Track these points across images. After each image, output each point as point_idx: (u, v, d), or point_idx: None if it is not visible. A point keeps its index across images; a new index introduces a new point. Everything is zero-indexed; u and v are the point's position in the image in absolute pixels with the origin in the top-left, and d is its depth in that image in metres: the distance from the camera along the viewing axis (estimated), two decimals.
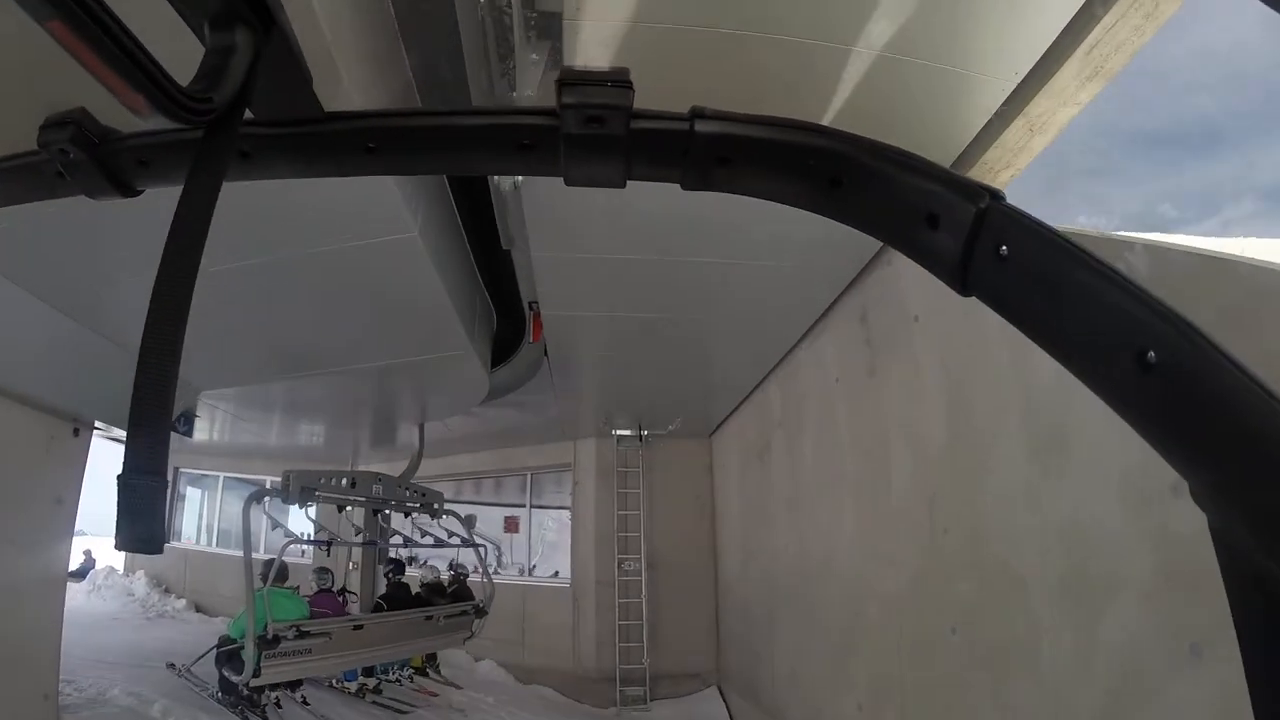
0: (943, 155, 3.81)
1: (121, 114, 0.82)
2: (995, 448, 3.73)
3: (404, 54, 3.47)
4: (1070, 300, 0.72)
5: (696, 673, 10.68)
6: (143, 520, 0.68)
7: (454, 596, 10.65)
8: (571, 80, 0.88)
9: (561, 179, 0.95)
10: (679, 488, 11.19)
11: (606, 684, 10.55)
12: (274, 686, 8.07)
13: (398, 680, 10.22)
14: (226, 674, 7.77)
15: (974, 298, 0.82)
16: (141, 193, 1.00)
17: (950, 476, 4.19)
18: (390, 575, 10.90)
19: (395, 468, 15.27)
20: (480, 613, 9.30)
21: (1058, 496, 3.17)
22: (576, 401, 9.67)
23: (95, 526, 15.16)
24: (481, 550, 9.70)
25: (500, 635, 11.78)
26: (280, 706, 8.47)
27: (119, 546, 0.69)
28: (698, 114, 0.90)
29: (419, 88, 3.61)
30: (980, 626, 3.80)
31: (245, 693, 7.93)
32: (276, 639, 6.75)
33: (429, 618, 8.96)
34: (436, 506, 9.48)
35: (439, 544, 9.99)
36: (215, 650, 8.34)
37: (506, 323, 7.77)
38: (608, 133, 0.89)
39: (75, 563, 18.85)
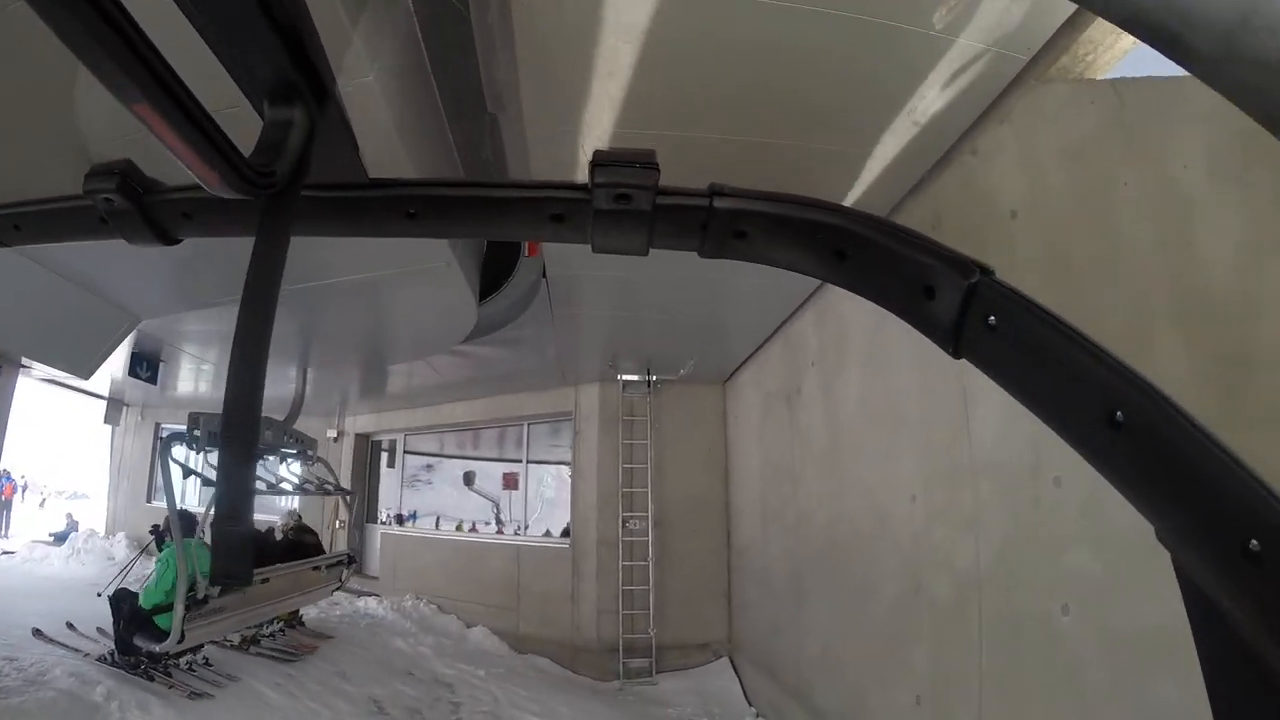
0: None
1: (162, 165, 0.93)
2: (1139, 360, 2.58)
3: (447, 130, 3.55)
4: (1049, 366, 0.80)
5: (706, 643, 9.67)
6: (232, 559, 0.76)
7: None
8: (603, 161, 0.96)
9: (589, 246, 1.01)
10: (690, 439, 10.08)
11: (608, 655, 9.54)
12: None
13: (271, 634, 9.63)
14: (142, 643, 6.78)
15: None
16: (180, 241, 1.06)
17: None
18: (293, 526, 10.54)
19: (385, 420, 14.44)
20: (351, 562, 9.52)
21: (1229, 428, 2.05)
22: (578, 339, 8.54)
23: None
24: (350, 499, 10.29)
25: (493, 601, 10.84)
26: (193, 670, 7.71)
27: (214, 582, 0.78)
28: (716, 191, 0.98)
29: (461, 159, 3.74)
30: (1108, 607, 2.79)
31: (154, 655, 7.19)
32: (205, 598, 6.19)
33: (315, 567, 8.93)
34: (310, 454, 9.52)
35: (306, 490, 9.98)
36: (118, 618, 7.47)
37: (498, 248, 6.70)
38: (634, 208, 0.97)
39: (58, 526, 18.17)
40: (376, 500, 14.88)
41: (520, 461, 12.03)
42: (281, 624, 9.93)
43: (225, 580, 0.78)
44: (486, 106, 3.52)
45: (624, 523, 9.70)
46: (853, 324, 5.66)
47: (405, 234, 1.05)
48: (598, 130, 3.51)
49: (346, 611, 12.08)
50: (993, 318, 0.85)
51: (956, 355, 0.90)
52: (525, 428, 11.82)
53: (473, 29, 2.97)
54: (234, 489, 0.77)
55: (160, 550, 7.38)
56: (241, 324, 0.80)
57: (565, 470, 10.97)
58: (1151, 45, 0.61)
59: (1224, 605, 0.67)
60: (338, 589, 9.49)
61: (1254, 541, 0.63)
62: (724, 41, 2.97)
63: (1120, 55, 3.20)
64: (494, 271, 7.02)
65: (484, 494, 12.33)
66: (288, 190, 0.89)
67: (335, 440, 15.22)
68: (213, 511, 0.77)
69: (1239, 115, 0.59)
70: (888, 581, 4.92)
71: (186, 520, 6.96)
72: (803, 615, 6.76)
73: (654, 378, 9.86)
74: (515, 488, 12.04)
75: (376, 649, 9.81)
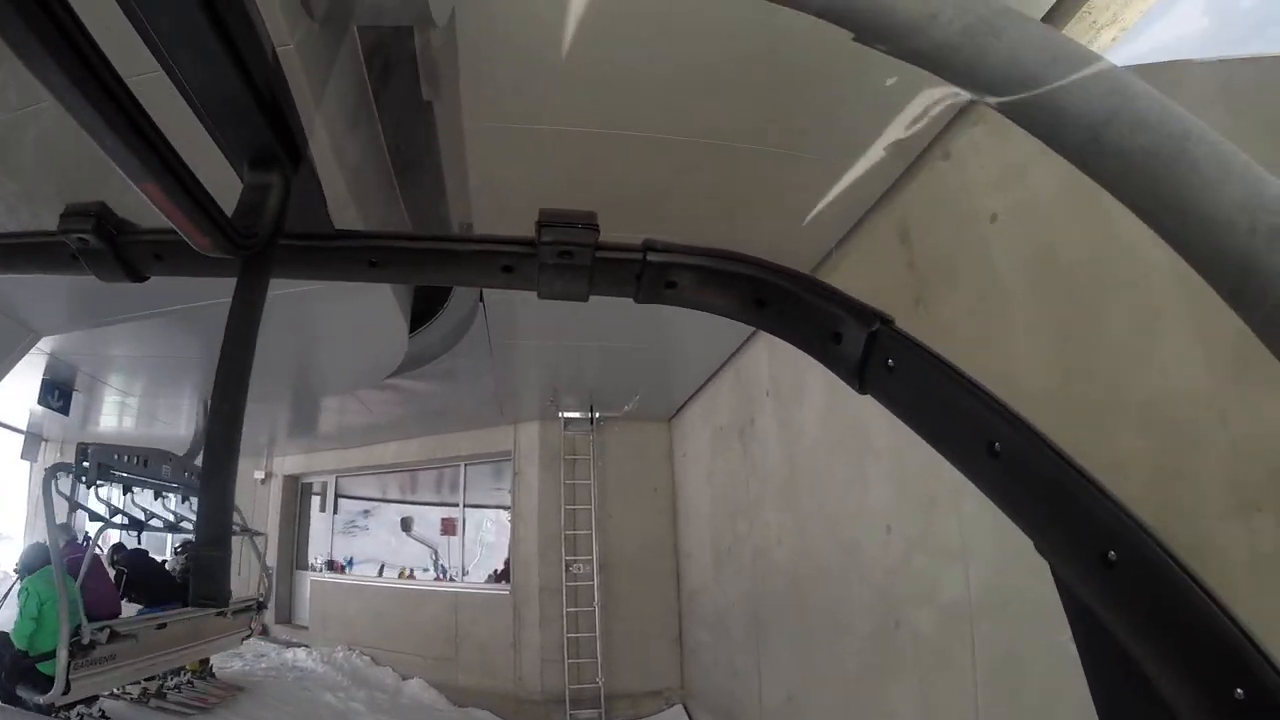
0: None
1: (133, 206, 0.97)
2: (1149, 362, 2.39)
3: (397, 192, 3.62)
4: (939, 403, 0.92)
5: (658, 690, 9.26)
6: (211, 583, 0.81)
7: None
8: (549, 221, 1.06)
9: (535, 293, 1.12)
10: (635, 479, 9.73)
11: (554, 706, 9.05)
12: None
13: (177, 686, 8.81)
14: (25, 694, 6.14)
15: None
16: (148, 279, 1.13)
17: (1066, 416, 2.79)
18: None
19: (315, 461, 13.75)
20: (260, 607, 9.11)
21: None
22: (517, 373, 8.16)
23: None
24: (258, 541, 9.63)
25: (430, 651, 10.27)
26: None
27: (192, 603, 0.95)
28: (649, 246, 1.10)
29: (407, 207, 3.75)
30: None
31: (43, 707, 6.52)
32: (92, 644, 5.80)
33: (220, 613, 8.29)
34: None
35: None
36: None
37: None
38: (577, 263, 1.08)
39: None
40: (306, 546, 14.11)
41: (456, 505, 11.50)
42: (190, 675, 9.20)
43: (204, 602, 0.82)
44: (434, 152, 3.56)
45: (567, 567, 9.27)
46: None
47: (367, 280, 1.14)
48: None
49: (273, 664, 11.34)
50: (891, 360, 0.97)
51: (862, 391, 1.01)
52: (462, 469, 11.32)
53: (421, 86, 3.02)
54: (215, 517, 0.85)
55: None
56: (223, 365, 0.87)
57: (506, 515, 10.49)
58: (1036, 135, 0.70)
59: (1095, 608, 0.75)
60: (248, 638, 9.08)
61: (1112, 552, 0.72)
62: (662, 69, 2.95)
63: (1107, 45, 3.00)
64: (428, 297, 6.62)
65: (422, 540, 11.75)
66: (267, 248, 0.97)
67: (263, 482, 14.47)
68: (194, 537, 0.90)
69: (1242, 100, 0.78)
70: (860, 618, 4.64)
71: (40, 555, 6.45)
72: (765, 659, 6.43)
73: (597, 415, 9.52)
74: (454, 533, 11.47)
75: (304, 704, 9.16)
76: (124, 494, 7.78)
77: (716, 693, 7.97)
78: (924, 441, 0.95)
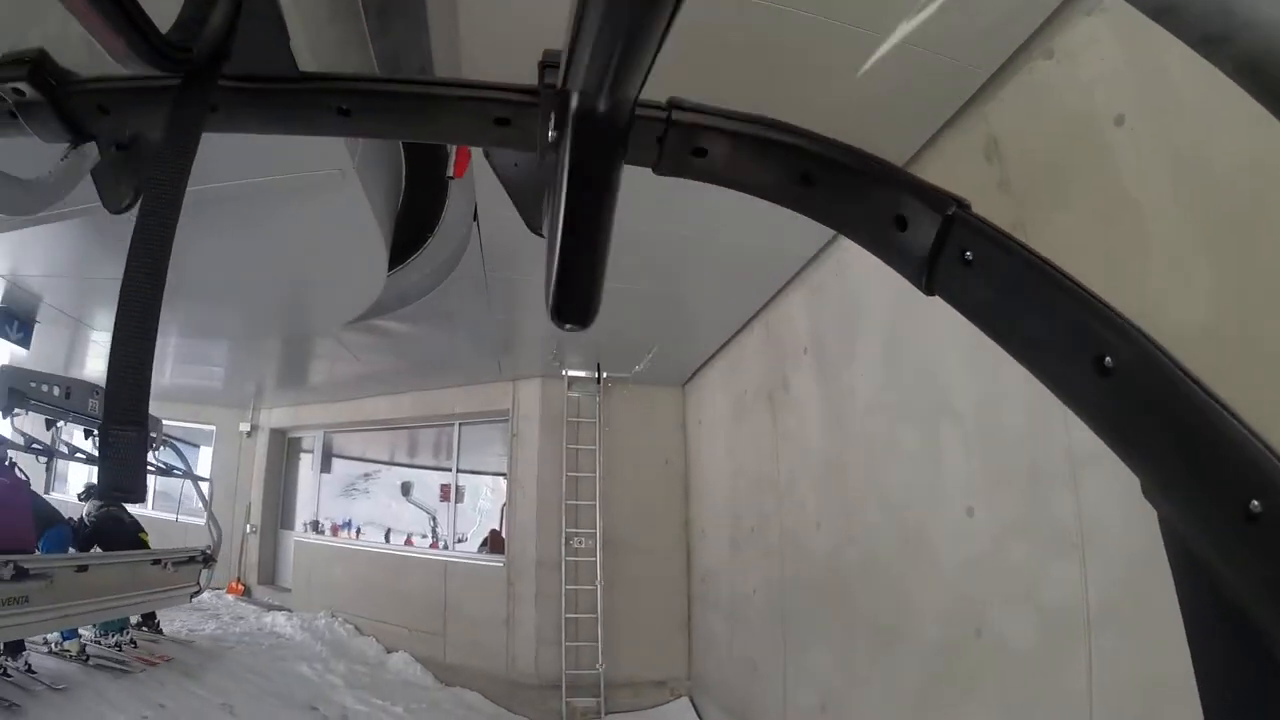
0: None
1: (79, 59, 0.92)
2: None
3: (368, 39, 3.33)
4: (1032, 307, 0.75)
5: (663, 680, 8.47)
6: (124, 470, 0.70)
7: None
8: (554, 62, 0.86)
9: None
10: (645, 447, 8.86)
11: (549, 692, 8.26)
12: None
13: (118, 645, 8.03)
14: None
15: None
16: (95, 138, 0.98)
17: (1219, 358, 1.95)
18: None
19: (303, 415, 12.92)
20: (208, 560, 8.23)
21: None
22: (517, 318, 7.20)
23: None
24: (203, 486, 8.99)
25: (417, 623, 9.48)
26: (8, 676, 6.38)
27: (100, 496, 0.65)
28: (675, 105, 0.92)
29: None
30: None
31: None
32: None
33: (156, 562, 7.50)
34: (154, 435, 8.21)
35: (159, 472, 8.79)
36: None
37: (419, 195, 5.48)
38: None
39: None
40: (294, 504, 13.33)
41: (450, 470, 10.64)
42: (132, 634, 8.53)
43: (115, 495, 0.43)
44: None
45: (568, 540, 8.42)
46: (866, 296, 4.52)
47: (337, 132, 1.00)
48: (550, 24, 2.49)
49: (250, 628, 10.60)
50: (969, 253, 0.80)
51: (929, 291, 0.85)
52: (456, 428, 10.42)
53: None
54: (128, 386, 0.71)
55: None
56: (145, 211, 0.77)
57: (504, 482, 9.63)
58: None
59: (1215, 566, 0.63)
60: (197, 594, 8.22)
61: (1255, 503, 0.59)
62: None
63: None
64: (418, 225, 5.72)
65: (421, 505, 10.91)
66: (204, 72, 0.85)
67: (249, 435, 13.68)
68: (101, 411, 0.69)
69: None
70: (926, 621, 3.81)
71: None
72: (793, 658, 5.60)
73: (604, 375, 8.62)
74: (458, 500, 10.63)
75: (276, 675, 8.37)
76: (48, 428, 7.21)
77: (730, 689, 7.15)
78: (1021, 368, 0.75)
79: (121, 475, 0.70)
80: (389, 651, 9.74)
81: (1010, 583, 3.17)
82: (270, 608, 11.83)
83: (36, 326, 8.60)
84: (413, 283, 6.18)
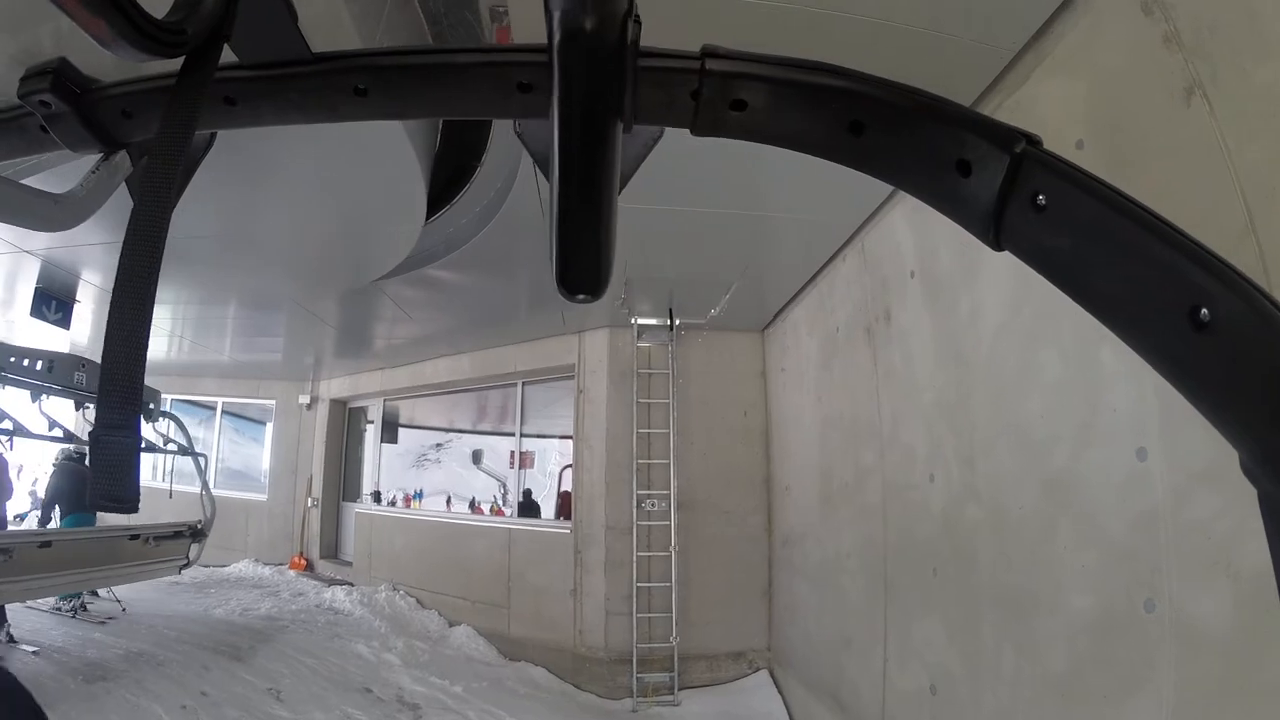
0: None
1: (108, 67, 0.87)
2: None
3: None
4: (1115, 254, 0.66)
5: (740, 652, 7.74)
6: (116, 478, 0.66)
7: None
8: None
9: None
10: (721, 399, 8.08)
11: (619, 666, 7.58)
12: None
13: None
14: None
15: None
16: (125, 146, 0.97)
17: None
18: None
19: (361, 383, 12.49)
20: (198, 535, 7.84)
21: None
22: None
23: None
24: (201, 460, 8.49)
25: (480, 595, 8.91)
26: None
27: (92, 505, 0.66)
28: (710, 53, 0.83)
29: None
30: None
31: None
32: None
33: (134, 537, 7.16)
34: (152, 407, 7.92)
35: (150, 449, 8.40)
36: None
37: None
38: None
39: None
40: (360, 476, 12.94)
41: (513, 435, 10.01)
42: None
43: (106, 504, 0.65)
44: None
45: (639, 504, 7.70)
46: None
47: (357, 116, 0.93)
48: None
49: (308, 604, 10.21)
50: (1042, 197, 0.70)
51: (998, 246, 0.75)
52: (519, 389, 9.78)
53: None
54: (120, 390, 0.67)
55: None
56: (140, 205, 0.73)
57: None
58: None
59: None
60: (185, 566, 7.89)
61: None
62: None
63: None
64: (459, 158, 5.13)
65: (491, 473, 10.30)
66: (202, 53, 0.79)
67: (308, 407, 13.36)
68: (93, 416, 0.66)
69: None
70: (1075, 590, 3.00)
71: None
72: (896, 631, 4.80)
73: (678, 322, 7.86)
74: (526, 466, 10.01)
75: (330, 656, 7.90)
76: (33, 400, 6.87)
77: (817, 663, 6.36)
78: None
79: (113, 483, 0.65)
80: (451, 625, 9.24)
81: (1195, 543, 2.37)
82: (331, 582, 11.47)
83: (76, 306, 8.39)
84: (460, 225, 5.61)
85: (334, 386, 13.06)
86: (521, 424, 9.81)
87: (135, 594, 9.40)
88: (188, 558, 7.71)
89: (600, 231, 0.88)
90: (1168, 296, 0.61)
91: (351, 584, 11.11)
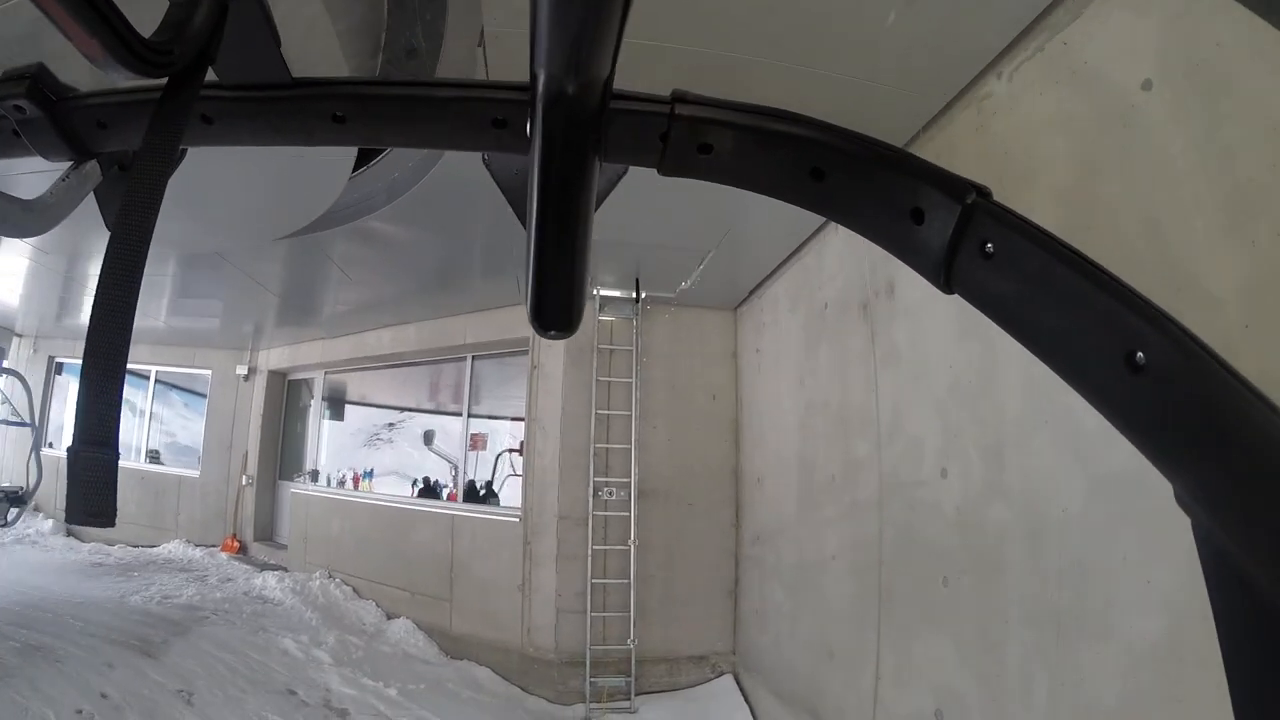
0: None
1: (84, 75, 0.87)
2: None
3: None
4: (1058, 301, 0.70)
5: (703, 655, 7.12)
6: (94, 493, 0.64)
7: None
8: None
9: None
10: (688, 381, 7.43)
11: (570, 669, 6.93)
12: None
13: None
14: None
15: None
16: (96, 157, 0.97)
17: None
18: None
19: (301, 354, 11.64)
20: (17, 500, 7.99)
21: None
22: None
23: None
24: (34, 430, 8.43)
25: (421, 586, 8.20)
26: None
27: (70, 520, 0.66)
28: (679, 98, 0.86)
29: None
30: None
31: None
32: None
33: None
34: None
35: None
36: None
37: None
38: None
39: None
40: (301, 453, 12.10)
41: (458, 414, 9.25)
42: None
43: (86, 520, 0.63)
44: None
45: (596, 492, 7.03)
46: (1030, 141, 3.02)
47: (332, 141, 0.94)
48: None
49: (235, 591, 9.39)
50: (990, 245, 0.74)
51: (947, 290, 0.79)
52: (468, 364, 9.01)
53: None
54: (100, 405, 0.65)
55: None
56: (122, 218, 0.72)
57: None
58: None
59: (1255, 578, 0.58)
60: (4, 526, 7.99)
61: None
62: None
63: None
64: None
65: (444, 455, 9.47)
66: (187, 76, 0.79)
67: (245, 378, 12.47)
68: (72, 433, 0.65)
69: None
70: (1137, 610, 2.43)
71: None
72: (891, 644, 4.22)
73: (644, 295, 7.18)
74: (480, 448, 9.25)
75: (253, 653, 7.15)
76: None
77: (791, 674, 5.77)
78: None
79: (93, 501, 0.63)
80: (390, 618, 8.51)
81: None
82: (264, 567, 10.66)
83: None
84: (405, 170, 4.97)
85: (273, 357, 12.19)
86: (470, 402, 9.05)
87: (48, 579, 8.74)
88: (5, 519, 7.74)
89: (575, 269, 0.89)
90: (1106, 341, 0.65)
91: (286, 569, 10.33)
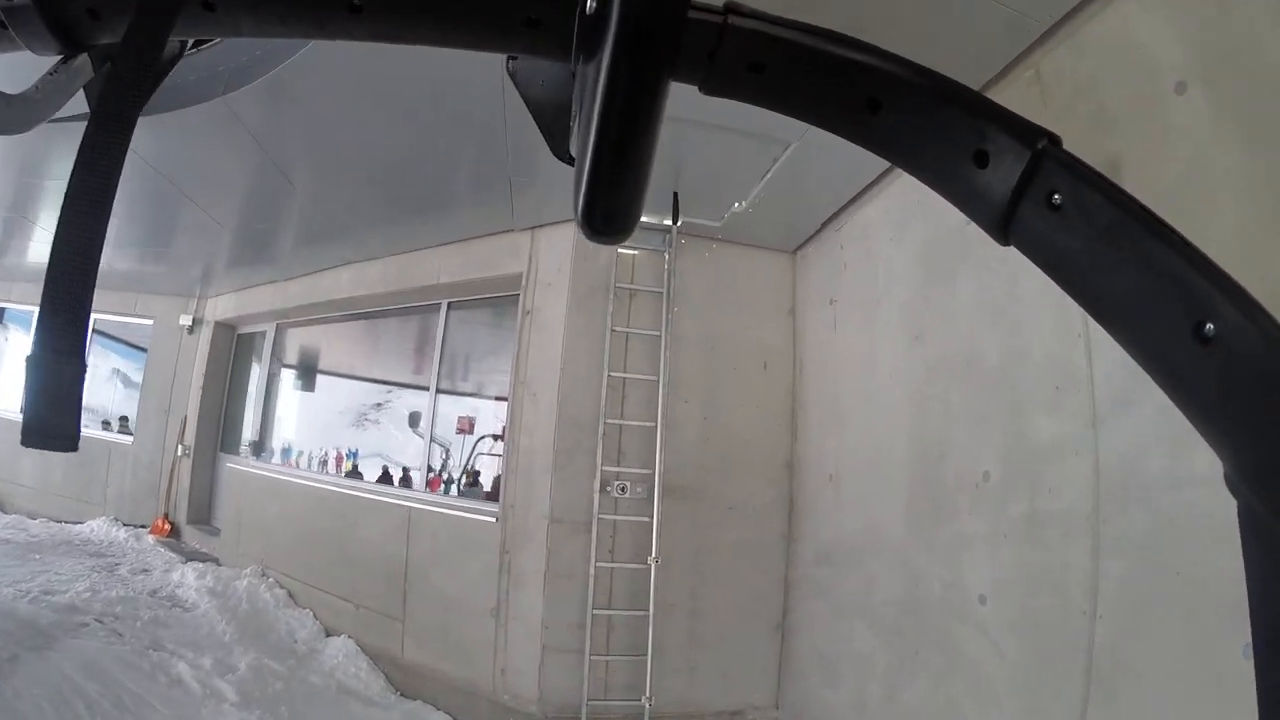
0: None
1: None
2: None
3: None
4: (1126, 261, 0.63)
5: (736, 710, 5.23)
6: (56, 410, 0.60)
7: None
8: None
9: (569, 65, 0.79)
10: (733, 341, 5.52)
11: None
12: None
13: None
14: None
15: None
16: (86, 49, 0.87)
17: None
18: None
19: (250, 301, 9.74)
20: None
21: None
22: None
23: None
24: None
25: (368, 597, 6.32)
26: None
27: (25, 441, 0.59)
28: (732, 9, 0.75)
29: None
30: None
31: None
32: None
33: None
34: None
35: None
36: None
37: None
38: None
39: None
40: (250, 422, 10.18)
41: (425, 388, 7.29)
42: None
43: (44, 441, 0.57)
44: None
45: (604, 486, 5.11)
46: None
47: (346, 35, 0.81)
48: None
49: (141, 588, 7.50)
50: (1057, 195, 0.66)
51: (1004, 240, 0.71)
52: (442, 312, 7.03)
53: None
54: (67, 308, 0.61)
55: None
56: (99, 109, 0.69)
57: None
58: None
59: None
60: None
61: None
62: None
63: None
64: None
65: (435, 439, 7.42)
66: None
67: (190, 330, 10.58)
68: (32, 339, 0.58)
69: None
70: None
71: None
72: None
73: (679, 223, 5.24)
74: (471, 431, 7.25)
75: (131, 681, 5.32)
76: None
77: None
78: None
79: (53, 416, 0.59)
80: (328, 635, 6.62)
81: None
82: (192, 556, 8.80)
83: None
84: None
85: (220, 306, 10.28)
86: (444, 368, 7.09)
87: None
88: None
89: (639, 178, 0.74)
90: (1175, 308, 0.60)
91: (217, 561, 8.47)
